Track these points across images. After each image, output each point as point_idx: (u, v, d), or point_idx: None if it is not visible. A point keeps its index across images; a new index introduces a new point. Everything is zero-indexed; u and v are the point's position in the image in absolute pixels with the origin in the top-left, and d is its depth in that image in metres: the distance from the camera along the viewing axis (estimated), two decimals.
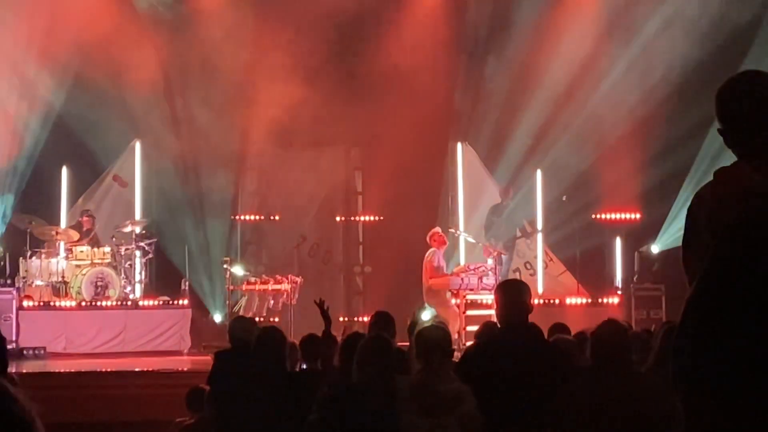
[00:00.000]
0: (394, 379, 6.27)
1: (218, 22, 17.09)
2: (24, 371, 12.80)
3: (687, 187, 16.45)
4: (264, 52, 16.91)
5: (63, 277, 15.92)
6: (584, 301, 16.54)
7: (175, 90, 16.75)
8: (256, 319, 14.10)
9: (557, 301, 16.46)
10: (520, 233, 17.31)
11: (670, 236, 16.62)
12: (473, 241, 16.90)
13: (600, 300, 16.65)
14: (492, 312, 13.91)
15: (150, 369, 13.53)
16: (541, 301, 16.03)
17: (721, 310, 3.35)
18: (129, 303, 15.99)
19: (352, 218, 19.19)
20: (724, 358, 3.31)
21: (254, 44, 16.96)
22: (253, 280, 16.62)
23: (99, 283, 15.88)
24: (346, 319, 17.51)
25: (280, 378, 7.34)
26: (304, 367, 8.04)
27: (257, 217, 18.68)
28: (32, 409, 2.47)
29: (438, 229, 16.13)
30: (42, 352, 14.90)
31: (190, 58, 16.89)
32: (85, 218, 16.92)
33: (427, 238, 15.75)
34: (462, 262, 17.07)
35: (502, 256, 16.44)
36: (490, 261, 16.13)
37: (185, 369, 13.84)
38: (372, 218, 19.01)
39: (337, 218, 19.12)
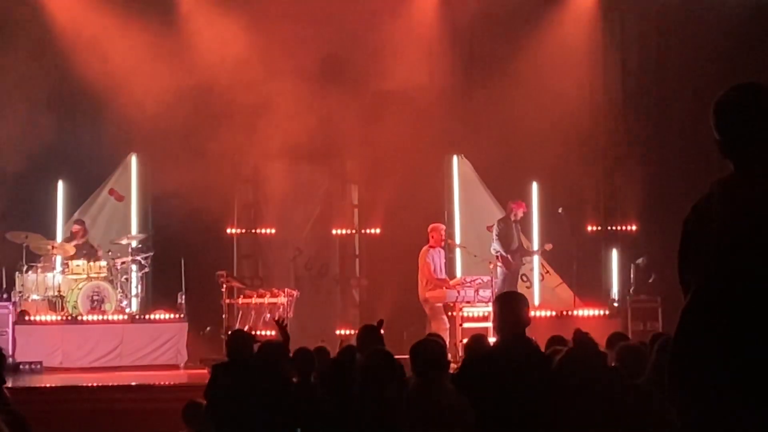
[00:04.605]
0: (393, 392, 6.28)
1: (216, 39, 17.11)
2: (20, 386, 12.78)
3: (683, 199, 16.45)
4: (261, 67, 16.93)
5: (59, 291, 15.90)
6: (581, 313, 16.53)
7: (172, 103, 16.73)
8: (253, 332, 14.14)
9: (554, 313, 16.44)
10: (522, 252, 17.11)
11: (666, 248, 16.64)
12: (473, 254, 16.81)
13: (597, 312, 16.65)
14: (489, 325, 13.96)
15: (146, 383, 13.51)
16: (538, 314, 16.03)
17: (717, 322, 3.36)
18: (125, 317, 15.97)
19: (349, 231, 19.19)
20: (720, 369, 3.32)
21: (251, 60, 16.97)
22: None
23: (95, 297, 15.86)
24: (343, 332, 17.48)
25: (279, 391, 7.33)
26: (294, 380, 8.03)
27: (253, 231, 18.67)
28: None
29: (441, 226, 16.05)
30: (38, 366, 14.85)
31: (187, 72, 16.88)
32: (75, 227, 16.90)
33: (429, 230, 15.71)
34: (459, 274, 17.06)
35: (498, 268, 16.38)
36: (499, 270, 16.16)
37: (182, 383, 13.81)
38: (368, 231, 19.01)
39: (334, 231, 19.11)
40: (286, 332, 8.26)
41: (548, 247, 16.98)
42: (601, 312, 16.67)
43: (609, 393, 5.83)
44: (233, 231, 18.37)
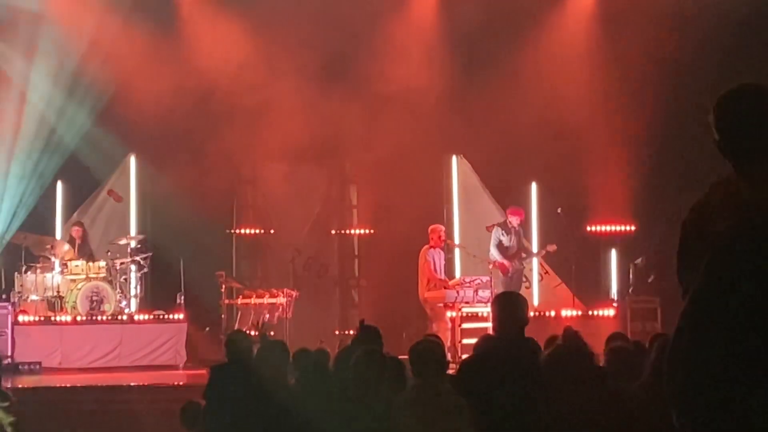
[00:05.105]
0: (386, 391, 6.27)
1: (216, 41, 17.11)
2: (20, 386, 12.78)
3: (682, 199, 16.41)
4: (261, 68, 16.93)
5: (58, 291, 15.90)
6: (580, 313, 16.53)
7: (172, 104, 16.73)
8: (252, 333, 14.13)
9: (553, 314, 16.44)
10: (525, 254, 17.10)
11: (665, 248, 16.62)
12: (472, 255, 16.79)
13: (596, 312, 16.65)
14: (488, 325, 13.94)
15: (145, 383, 13.51)
16: (537, 314, 16.02)
17: (715, 323, 3.35)
18: (124, 317, 15.96)
19: (347, 232, 19.19)
20: (718, 370, 3.31)
21: (251, 61, 16.97)
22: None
23: (94, 298, 15.85)
24: (342, 332, 17.49)
25: (277, 392, 7.32)
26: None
27: (252, 231, 18.67)
28: None
29: (440, 227, 16.06)
30: (38, 366, 14.86)
31: (186, 74, 16.88)
32: (74, 228, 16.91)
33: (428, 231, 15.70)
34: (458, 275, 17.04)
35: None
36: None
37: (181, 383, 13.81)
38: (367, 231, 19.00)
39: (332, 232, 19.11)
40: (266, 336, 8.32)
41: (551, 248, 16.96)
42: (601, 312, 16.67)
43: (595, 393, 5.78)
44: (233, 231, 18.37)
